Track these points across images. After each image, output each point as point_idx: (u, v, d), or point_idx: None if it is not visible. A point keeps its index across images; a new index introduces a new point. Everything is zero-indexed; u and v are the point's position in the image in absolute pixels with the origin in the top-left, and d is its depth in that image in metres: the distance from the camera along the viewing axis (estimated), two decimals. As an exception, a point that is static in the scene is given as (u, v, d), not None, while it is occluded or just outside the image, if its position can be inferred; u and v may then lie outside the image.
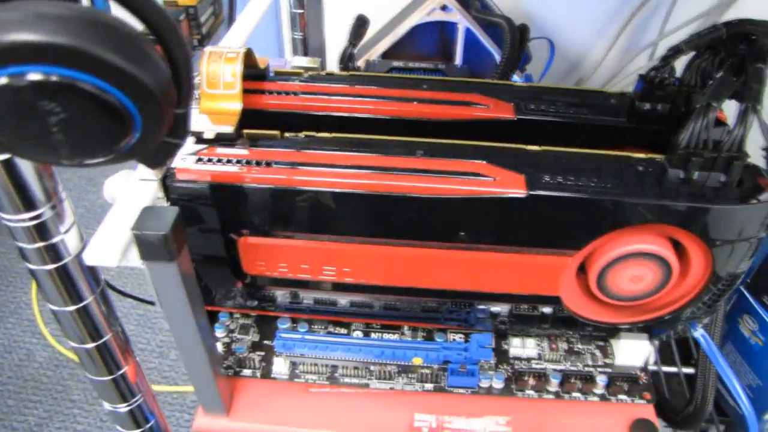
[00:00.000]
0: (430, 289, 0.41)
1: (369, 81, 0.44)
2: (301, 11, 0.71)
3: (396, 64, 0.65)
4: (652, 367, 0.73)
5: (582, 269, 0.41)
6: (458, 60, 0.69)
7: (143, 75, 0.24)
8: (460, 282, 0.41)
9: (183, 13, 2.13)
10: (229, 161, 0.38)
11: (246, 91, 0.42)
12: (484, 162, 0.37)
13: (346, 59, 0.63)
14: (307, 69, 0.57)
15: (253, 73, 0.44)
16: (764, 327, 0.62)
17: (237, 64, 0.40)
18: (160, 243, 0.32)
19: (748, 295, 0.64)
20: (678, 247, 0.39)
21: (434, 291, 0.42)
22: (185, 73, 0.27)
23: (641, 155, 0.38)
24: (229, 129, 0.39)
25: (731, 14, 0.73)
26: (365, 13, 0.66)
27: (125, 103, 0.24)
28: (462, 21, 0.67)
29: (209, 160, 0.38)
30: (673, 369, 0.73)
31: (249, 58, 0.42)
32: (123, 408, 0.42)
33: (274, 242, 0.39)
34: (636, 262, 0.39)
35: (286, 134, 0.39)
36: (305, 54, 0.74)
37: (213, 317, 0.48)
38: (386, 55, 0.69)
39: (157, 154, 0.29)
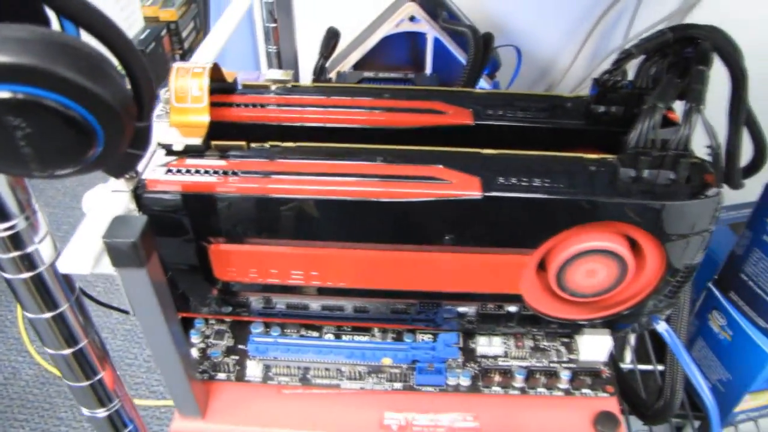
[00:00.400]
0: (396, 290, 0.43)
1: (333, 92, 0.46)
2: (274, 25, 0.73)
3: (366, 74, 0.67)
4: (627, 366, 0.75)
5: (543, 267, 0.42)
6: (428, 69, 0.71)
7: (103, 91, 0.26)
8: (424, 283, 0.42)
9: (164, 29, 2.14)
10: (197, 171, 0.39)
11: (214, 105, 0.44)
12: (441, 166, 0.38)
13: (318, 71, 0.65)
14: (278, 81, 0.59)
15: (222, 87, 0.46)
16: (732, 322, 0.64)
17: (204, 79, 0.41)
18: (129, 250, 0.34)
19: (716, 291, 0.66)
20: (634, 244, 0.41)
21: (400, 292, 0.43)
22: (145, 88, 0.29)
23: (594, 156, 0.40)
24: (197, 141, 0.40)
25: (692, 18, 0.75)
26: (337, 25, 0.67)
27: (87, 118, 0.26)
28: (430, 31, 0.69)
29: (178, 171, 0.39)
30: (648, 367, 0.75)
31: (216, 72, 0.44)
32: (102, 413, 0.43)
33: (243, 248, 0.41)
34: (592, 259, 0.40)
35: (252, 144, 0.41)
36: (280, 67, 0.75)
37: (189, 324, 0.49)
38: (358, 66, 0.71)
39: (122, 165, 0.31)
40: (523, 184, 0.38)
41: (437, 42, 0.70)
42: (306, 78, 0.70)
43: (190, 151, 0.40)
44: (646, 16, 0.77)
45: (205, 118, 0.41)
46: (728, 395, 0.67)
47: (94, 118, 0.26)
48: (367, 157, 0.39)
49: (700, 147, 0.43)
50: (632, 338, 0.77)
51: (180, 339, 0.40)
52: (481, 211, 0.38)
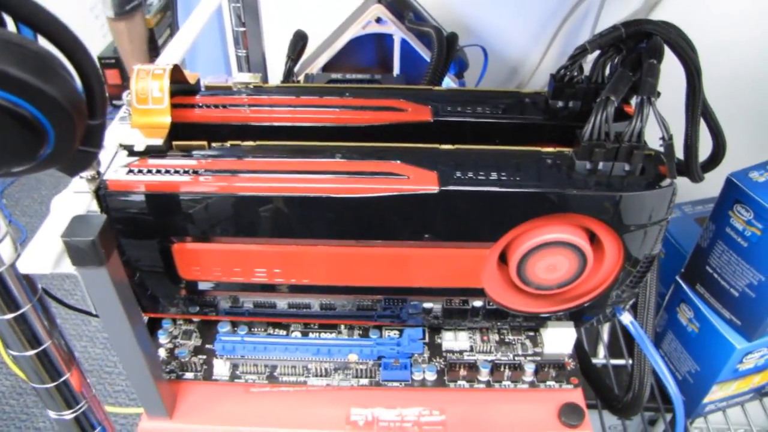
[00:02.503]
0: (358, 286, 0.43)
1: (294, 92, 0.47)
2: (243, 29, 0.73)
3: (334, 76, 0.68)
4: (600, 360, 0.76)
5: (504, 260, 0.43)
6: (396, 70, 0.71)
7: (52, 90, 0.26)
8: (387, 279, 0.43)
9: (141, 36, 2.13)
10: (158, 171, 0.39)
11: (177, 106, 0.44)
12: (399, 162, 0.39)
13: (286, 74, 0.66)
14: (246, 84, 0.59)
15: (185, 89, 0.46)
16: (699, 314, 0.65)
17: (164, 80, 0.42)
18: (88, 248, 0.34)
19: (683, 285, 0.67)
20: (593, 236, 0.42)
21: (363, 288, 0.44)
22: (97, 86, 0.29)
23: (550, 149, 0.41)
24: (158, 141, 0.40)
25: (656, 15, 0.77)
26: (307, 28, 0.68)
27: (37, 116, 0.26)
28: (397, 32, 0.69)
29: (140, 171, 0.39)
30: (621, 361, 0.76)
31: (177, 74, 0.44)
32: (68, 415, 0.43)
33: (206, 247, 0.41)
34: (551, 251, 0.41)
35: (213, 144, 0.41)
36: (249, 70, 0.76)
37: (158, 324, 0.49)
38: (326, 68, 0.71)
39: (76, 163, 0.31)
40: (480, 177, 0.38)
41: (404, 43, 0.70)
42: (275, 81, 0.70)
43: (151, 152, 0.41)
44: (611, 15, 0.78)
45: (166, 119, 0.41)
46: (697, 386, 0.68)
47: (43, 116, 0.26)
48: (326, 154, 0.40)
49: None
50: (605, 333, 0.78)
51: (144, 339, 0.40)
52: (439, 206, 0.38)
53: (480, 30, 0.81)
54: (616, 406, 0.59)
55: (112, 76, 1.94)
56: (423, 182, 0.38)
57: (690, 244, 0.66)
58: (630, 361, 0.76)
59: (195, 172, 0.39)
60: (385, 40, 0.71)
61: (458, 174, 0.38)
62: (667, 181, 0.40)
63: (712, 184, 0.58)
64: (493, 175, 0.38)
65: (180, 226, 0.40)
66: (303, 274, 0.42)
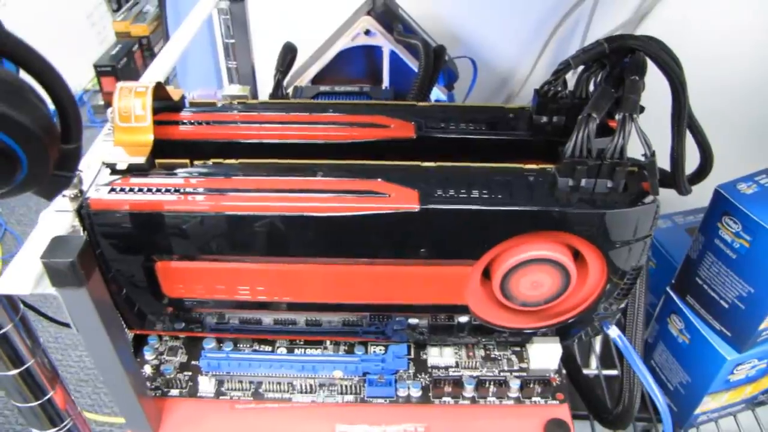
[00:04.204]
0: (342, 303, 0.43)
1: (279, 108, 0.47)
2: (233, 41, 0.73)
3: (323, 89, 0.68)
4: (592, 371, 0.76)
5: (488, 277, 0.43)
6: (385, 82, 0.71)
7: (22, 117, 0.26)
8: (370, 296, 0.43)
9: (136, 44, 2.14)
10: (140, 190, 0.39)
11: (160, 123, 0.44)
12: (380, 180, 0.39)
13: (275, 86, 0.66)
14: (236, 97, 0.59)
15: (169, 105, 0.46)
16: (689, 325, 0.65)
17: (146, 98, 0.42)
18: (67, 269, 0.34)
19: (673, 296, 0.67)
20: (578, 253, 0.42)
21: (346, 305, 0.44)
22: (71, 111, 0.29)
23: (533, 166, 0.41)
24: (141, 160, 0.40)
25: (646, 25, 0.77)
26: (298, 40, 0.68)
27: (8, 143, 0.26)
28: (386, 44, 0.69)
29: (122, 190, 0.39)
30: (613, 372, 0.76)
31: (160, 91, 0.44)
32: (53, 434, 0.43)
33: (189, 265, 0.41)
34: (534, 269, 0.41)
35: (195, 162, 0.41)
36: (239, 82, 0.76)
37: (143, 341, 0.49)
38: (316, 80, 0.71)
39: (51, 186, 0.31)
40: (461, 195, 0.38)
41: (393, 55, 0.70)
42: (265, 93, 0.70)
43: (134, 170, 0.41)
44: (601, 26, 0.78)
45: (149, 137, 0.41)
46: (689, 397, 0.67)
47: (14, 143, 0.26)
48: (308, 172, 0.40)
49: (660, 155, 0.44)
50: (597, 344, 0.78)
51: (127, 356, 0.40)
52: (420, 224, 0.38)
53: (470, 41, 0.82)
54: (607, 418, 0.59)
55: (108, 84, 1.94)
56: (404, 200, 0.38)
57: (681, 255, 0.66)
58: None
59: (177, 191, 0.39)
60: (374, 52, 0.71)
61: (439, 192, 0.38)
62: (650, 197, 0.40)
63: (705, 194, 0.58)
64: (475, 193, 0.38)
65: (162, 245, 0.40)
66: (286, 292, 0.42)
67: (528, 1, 0.79)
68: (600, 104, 0.40)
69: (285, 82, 0.68)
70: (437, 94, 0.71)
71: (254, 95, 0.74)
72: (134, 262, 0.41)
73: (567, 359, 0.65)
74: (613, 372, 0.76)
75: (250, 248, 0.40)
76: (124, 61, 1.98)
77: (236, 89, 0.72)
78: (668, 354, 0.69)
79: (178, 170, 0.40)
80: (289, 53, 0.66)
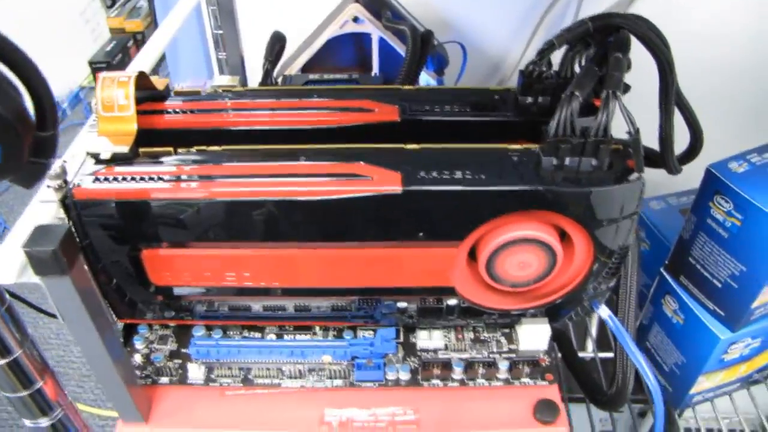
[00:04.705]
0: (329, 288, 0.43)
1: (263, 95, 0.47)
2: (221, 32, 0.73)
3: (312, 77, 0.67)
4: (588, 354, 0.76)
5: (475, 258, 0.43)
6: (375, 69, 0.71)
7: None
8: (355, 279, 0.43)
9: (131, 40, 2.14)
10: (124, 179, 0.39)
11: (144, 112, 0.44)
12: (362, 163, 0.39)
13: (264, 76, 0.66)
14: (225, 87, 0.59)
15: (153, 95, 0.46)
16: (683, 306, 0.65)
17: (129, 88, 0.42)
18: (49, 258, 0.34)
19: (667, 277, 0.67)
20: (564, 233, 0.42)
21: (333, 290, 0.44)
22: (46, 99, 0.29)
23: (517, 146, 0.41)
24: (124, 149, 0.40)
25: (637, 6, 0.76)
26: (288, 29, 0.68)
27: (-19, 132, 0.26)
28: (375, 31, 0.69)
29: (106, 179, 0.39)
30: (609, 354, 0.76)
31: (144, 80, 0.44)
32: (45, 422, 0.43)
33: (175, 252, 0.41)
34: (520, 249, 0.41)
35: (179, 150, 0.41)
36: (229, 73, 0.76)
37: (134, 330, 0.49)
38: (305, 69, 0.71)
39: (28, 175, 0.31)
40: (444, 176, 0.38)
41: (382, 42, 0.70)
42: (255, 83, 0.70)
43: (118, 159, 0.41)
44: (592, 7, 0.78)
45: (132, 126, 0.41)
46: (684, 378, 0.67)
47: (-13, 130, 0.26)
48: (291, 157, 0.40)
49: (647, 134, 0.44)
50: (593, 326, 0.78)
51: (115, 345, 0.40)
52: (403, 206, 0.38)
53: (460, 26, 0.81)
54: (601, 399, 0.59)
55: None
56: (386, 183, 0.38)
57: (675, 236, 0.66)
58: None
59: (160, 179, 0.39)
60: (363, 39, 0.71)
61: (422, 173, 0.38)
62: (635, 175, 0.40)
63: (700, 175, 0.58)
64: (458, 174, 0.38)
65: (148, 233, 0.40)
66: (272, 277, 0.42)
67: (518, -16, 0.79)
68: (583, 83, 0.40)
69: (275, 72, 0.68)
70: (427, 79, 0.71)
71: (243, 85, 0.74)
72: (120, 250, 0.41)
73: (562, 342, 0.65)
74: (609, 354, 0.76)
75: (234, 234, 0.40)
76: (119, 57, 1.97)
77: (226, 80, 0.72)
78: (663, 335, 0.69)
79: (162, 158, 0.40)
80: (277, 42, 0.66)
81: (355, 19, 0.68)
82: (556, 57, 0.46)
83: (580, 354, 0.72)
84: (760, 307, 0.59)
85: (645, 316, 0.71)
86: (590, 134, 0.39)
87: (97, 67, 1.93)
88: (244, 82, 0.75)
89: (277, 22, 0.70)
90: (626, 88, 0.45)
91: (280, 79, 0.68)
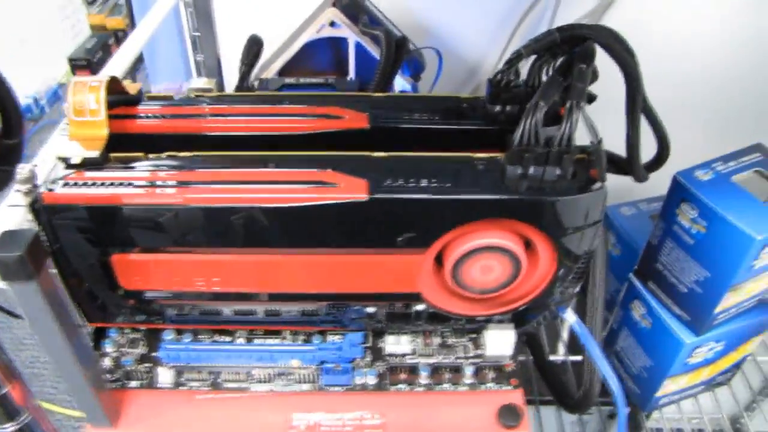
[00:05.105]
0: (296, 293, 0.44)
1: (234, 101, 0.47)
2: (199, 34, 0.73)
3: (288, 81, 0.68)
4: (559, 357, 0.77)
5: (442, 264, 0.43)
6: (351, 74, 0.72)
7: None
8: (322, 285, 0.43)
9: (112, 37, 2.12)
10: (94, 184, 0.39)
11: (116, 117, 0.44)
12: (330, 170, 0.39)
13: (240, 79, 0.66)
14: (201, 90, 0.59)
15: (126, 99, 0.46)
16: (651, 310, 0.66)
17: (101, 92, 0.42)
18: (16, 263, 0.34)
19: (636, 282, 0.68)
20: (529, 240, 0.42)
21: (300, 295, 0.44)
22: (10, 107, 0.29)
23: (482, 155, 0.41)
24: (95, 154, 0.41)
25: (611, 15, 0.77)
26: (264, 32, 0.68)
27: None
28: (351, 36, 0.70)
29: (75, 184, 0.39)
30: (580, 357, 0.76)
31: (116, 85, 0.44)
32: (11, 428, 0.43)
33: (144, 258, 0.42)
34: (485, 256, 0.42)
35: (150, 155, 0.41)
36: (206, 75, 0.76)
37: (104, 333, 0.49)
38: (282, 72, 0.72)
39: (-6, 181, 0.31)
40: (410, 185, 0.39)
41: (359, 46, 0.70)
42: (232, 86, 0.70)
43: (88, 164, 0.41)
44: (567, 14, 0.79)
45: (103, 131, 0.42)
46: (650, 381, 0.69)
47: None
48: (260, 163, 0.40)
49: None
50: (565, 331, 0.79)
51: (82, 350, 0.41)
52: (369, 213, 0.39)
53: (438, 32, 0.82)
54: (569, 403, 0.60)
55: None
56: (353, 190, 0.38)
57: (644, 241, 0.67)
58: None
59: (129, 184, 0.39)
60: (340, 43, 0.71)
61: (389, 181, 0.39)
62: (598, 184, 0.41)
63: (669, 180, 0.59)
64: (424, 182, 0.39)
65: (116, 238, 0.41)
66: (241, 283, 0.43)
67: (494, -9, 0.80)
68: (548, 93, 0.40)
69: (253, 75, 0.68)
70: (403, 84, 0.71)
71: (220, 88, 0.74)
72: (90, 255, 0.42)
73: (533, 345, 0.66)
74: (579, 357, 0.76)
75: (202, 240, 0.40)
76: (100, 55, 1.96)
77: (202, 82, 0.72)
78: (631, 339, 0.70)
79: (132, 163, 0.41)
80: (254, 46, 0.66)
81: (332, 24, 0.69)
82: (527, 65, 0.47)
83: (552, 357, 0.73)
84: (723, 312, 0.60)
85: (615, 320, 0.72)
86: (554, 144, 0.40)
87: (76, 64, 1.92)
88: (221, 84, 0.75)
89: (255, 25, 0.70)
90: (591, 98, 0.46)
91: (256, 83, 0.69)
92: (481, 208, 0.39)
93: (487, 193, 0.39)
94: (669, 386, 0.68)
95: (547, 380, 0.64)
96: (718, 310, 0.59)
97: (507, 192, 0.39)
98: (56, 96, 1.93)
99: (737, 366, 0.74)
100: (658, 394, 0.69)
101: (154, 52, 0.94)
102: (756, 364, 0.77)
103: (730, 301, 0.59)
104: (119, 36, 2.05)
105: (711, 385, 0.73)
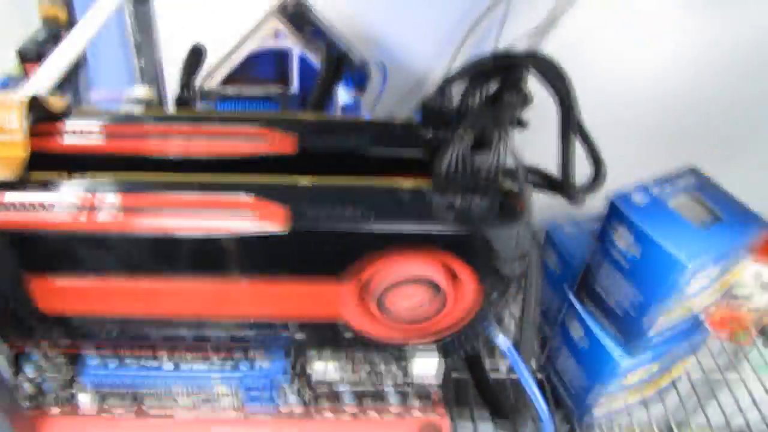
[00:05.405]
0: (220, 319, 0.43)
1: (161, 119, 0.46)
2: (139, 40, 0.72)
3: (228, 92, 0.67)
4: (501, 376, 0.77)
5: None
6: (295, 85, 0.71)
7: None
8: (248, 311, 0.42)
9: (64, 29, 2.06)
10: (4, 207, 0.38)
11: (39, 135, 0.43)
12: (251, 197, 0.38)
13: (181, 89, 0.65)
14: (140, 99, 0.58)
15: (53, 116, 0.45)
16: (587, 331, 0.66)
17: (20, 111, 0.40)
18: None
19: (574, 301, 0.68)
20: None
21: (224, 321, 0.43)
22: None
23: (408, 183, 0.41)
24: (11, 175, 0.39)
25: (559, 30, 0.78)
26: (207, 40, 0.67)
27: None
28: (295, 47, 0.69)
29: (-12, 206, 0.38)
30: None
31: (38, 102, 0.43)
32: None
33: (62, 282, 0.40)
34: (409, 288, 0.41)
35: (71, 175, 0.40)
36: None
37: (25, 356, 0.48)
38: (226, 81, 0.70)
39: None
40: (332, 214, 0.38)
41: (303, 58, 0.70)
42: (173, 93, 0.69)
43: (4, 186, 0.39)
44: (513, 30, 0.79)
45: (21, 151, 0.40)
46: (588, 399, 0.69)
47: None
48: (180, 187, 0.39)
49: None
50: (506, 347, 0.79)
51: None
52: (289, 243, 0.38)
53: (385, 42, 0.81)
54: (504, 421, 0.60)
55: (33, 70, 1.87)
56: (272, 219, 0.38)
57: (584, 260, 0.68)
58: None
59: (44, 208, 0.38)
60: (284, 54, 0.71)
61: (311, 211, 0.38)
62: (525, 216, 0.40)
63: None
64: (347, 212, 0.38)
65: (32, 261, 0.39)
66: (159, 308, 0.42)
67: (443, 3, 0.79)
68: (474, 121, 0.40)
69: (198, 81, 0.67)
70: (346, 97, 0.71)
71: (160, 97, 0.73)
72: (5, 278, 0.40)
73: (472, 363, 0.66)
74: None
75: (119, 266, 0.39)
76: (51, 48, 1.91)
77: (141, 91, 0.70)
78: (570, 357, 0.71)
79: (49, 185, 0.39)
80: (196, 55, 0.65)
81: (276, 34, 0.68)
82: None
83: (493, 376, 0.74)
84: (657, 335, 0.61)
85: (555, 339, 0.73)
86: (482, 174, 0.40)
87: (26, 57, 1.87)
88: (160, 91, 0.74)
89: (199, 31, 0.69)
90: (522, 124, 0.46)
91: (199, 93, 0.68)
92: (405, 239, 0.39)
93: (411, 223, 0.39)
94: (606, 405, 0.69)
95: (484, 398, 0.64)
96: (651, 333, 0.60)
97: (431, 222, 0.39)
98: (4, 86, 1.88)
99: (673, 385, 0.76)
100: (596, 413, 0.70)
101: (97, 55, 0.92)
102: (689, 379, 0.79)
103: (662, 323, 0.60)
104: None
105: (647, 402, 0.74)
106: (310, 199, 0.39)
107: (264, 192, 0.39)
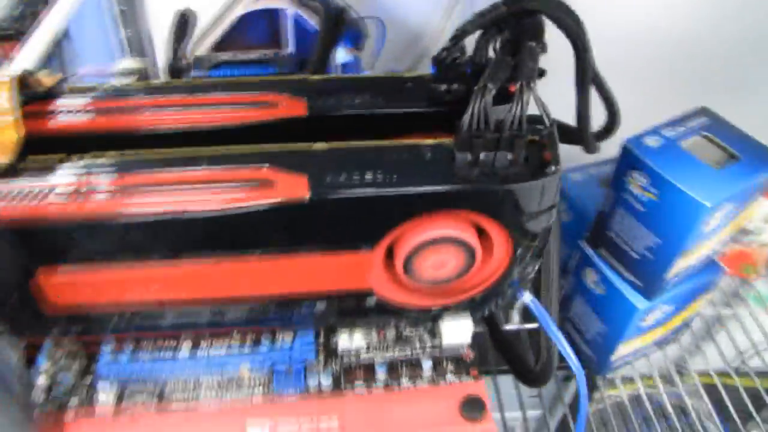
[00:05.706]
0: (243, 297, 0.41)
1: (162, 90, 0.43)
2: (125, 8, 0.68)
3: (224, 58, 0.64)
4: (514, 327, 0.76)
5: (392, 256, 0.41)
6: (290, 47, 0.68)
7: None
8: (270, 287, 0.41)
9: (41, 3, 2.00)
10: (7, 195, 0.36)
11: (32, 115, 0.41)
12: (267, 167, 0.36)
13: (172, 57, 0.62)
14: (131, 71, 0.55)
15: (44, 94, 0.42)
16: (603, 277, 0.66)
17: (10, 91, 0.38)
18: None
19: (588, 249, 0.67)
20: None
21: (247, 298, 0.42)
22: None
23: (429, 141, 0.39)
24: (5, 160, 0.37)
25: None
26: (196, 4, 0.64)
27: None
28: (290, 7, 0.66)
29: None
30: (535, 325, 0.76)
31: (28, 80, 0.41)
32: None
33: (72, 271, 0.38)
34: (437, 249, 0.40)
35: (73, 156, 0.38)
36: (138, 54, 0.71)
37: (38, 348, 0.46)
38: (217, 47, 0.67)
39: None
40: (354, 180, 0.36)
41: (298, 18, 0.67)
42: (164, 63, 0.66)
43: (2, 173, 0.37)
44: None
45: (14, 134, 0.38)
46: (605, 345, 0.69)
47: None
48: (192, 162, 0.37)
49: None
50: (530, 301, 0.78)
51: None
52: (312, 213, 0.36)
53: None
54: (528, 377, 0.59)
55: (10, 49, 1.82)
56: (292, 189, 0.36)
57: (594, 206, 0.67)
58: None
59: (43, 195, 0.36)
60: (276, 15, 0.68)
61: (330, 177, 0.36)
62: (552, 168, 0.39)
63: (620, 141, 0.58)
64: (369, 176, 0.37)
65: (38, 252, 0.37)
66: (180, 291, 0.40)
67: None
68: (496, 74, 0.38)
69: (188, 49, 0.64)
70: (344, 56, 0.68)
71: (153, 66, 0.69)
72: (11, 271, 0.38)
73: (488, 318, 0.65)
74: (535, 325, 0.76)
75: (135, 251, 0.37)
76: (29, 23, 1.85)
77: (131, 62, 0.67)
78: (585, 305, 0.70)
79: (47, 170, 0.37)
80: (184, 21, 0.62)
81: (267, -6, 0.65)
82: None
83: (508, 327, 0.73)
84: (674, 276, 0.60)
85: (568, 287, 0.72)
86: (505, 127, 0.38)
87: (2, 34, 1.81)
88: (153, 62, 0.71)
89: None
90: (542, 74, 0.44)
91: (191, 61, 0.65)
92: (431, 200, 0.37)
93: (436, 184, 0.37)
94: (623, 349, 0.68)
95: (504, 354, 0.63)
96: (669, 275, 0.59)
97: (457, 181, 0.37)
98: (-20, 70, 1.82)
99: (687, 324, 0.76)
100: (613, 357, 0.69)
101: (81, 29, 0.88)
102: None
103: (680, 265, 0.59)
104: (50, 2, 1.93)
105: (661, 344, 0.74)
106: (329, 165, 0.37)
107: (279, 161, 0.37)
